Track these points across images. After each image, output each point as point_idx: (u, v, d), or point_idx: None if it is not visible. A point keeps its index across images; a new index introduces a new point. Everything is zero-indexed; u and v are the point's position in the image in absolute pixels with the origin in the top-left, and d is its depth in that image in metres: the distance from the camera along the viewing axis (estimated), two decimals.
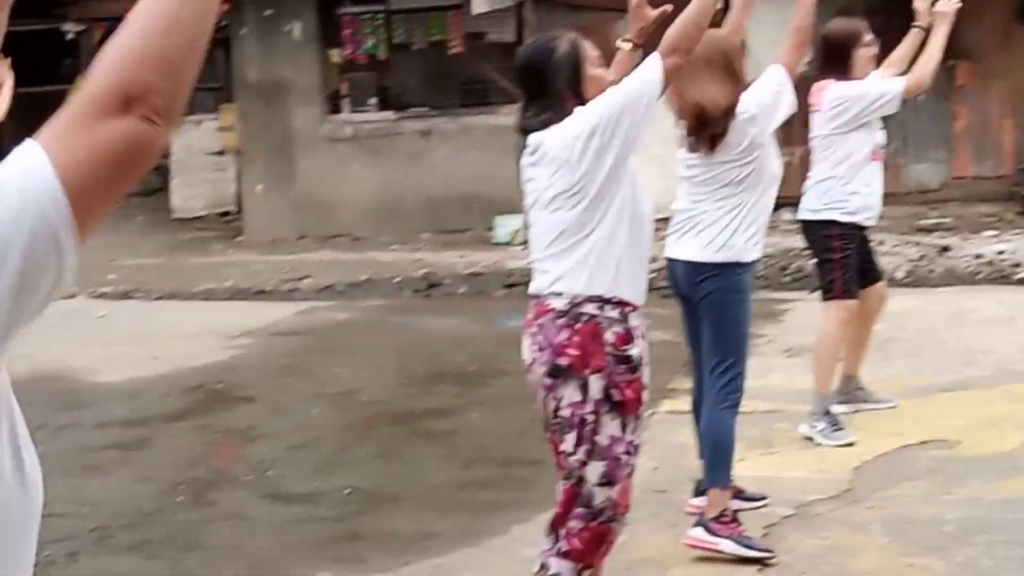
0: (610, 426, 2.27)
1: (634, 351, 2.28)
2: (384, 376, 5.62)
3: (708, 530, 2.81)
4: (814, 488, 3.30)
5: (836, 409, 3.65)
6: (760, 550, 2.82)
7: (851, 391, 3.82)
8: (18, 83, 1.19)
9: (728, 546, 2.80)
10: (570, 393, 2.27)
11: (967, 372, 4.45)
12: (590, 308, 2.26)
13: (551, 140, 2.26)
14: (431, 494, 3.85)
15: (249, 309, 6.89)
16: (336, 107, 8.25)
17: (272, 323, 6.54)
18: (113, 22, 11.38)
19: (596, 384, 2.25)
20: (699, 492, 2.96)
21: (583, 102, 2.28)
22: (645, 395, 2.34)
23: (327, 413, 4.99)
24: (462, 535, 3.40)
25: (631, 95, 2.22)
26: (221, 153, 9.62)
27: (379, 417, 4.94)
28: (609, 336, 2.25)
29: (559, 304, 2.25)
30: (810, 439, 3.62)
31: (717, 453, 2.89)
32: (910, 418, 3.96)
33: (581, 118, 2.24)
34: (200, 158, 9.38)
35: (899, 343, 4.84)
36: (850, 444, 3.56)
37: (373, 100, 8.23)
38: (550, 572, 2.33)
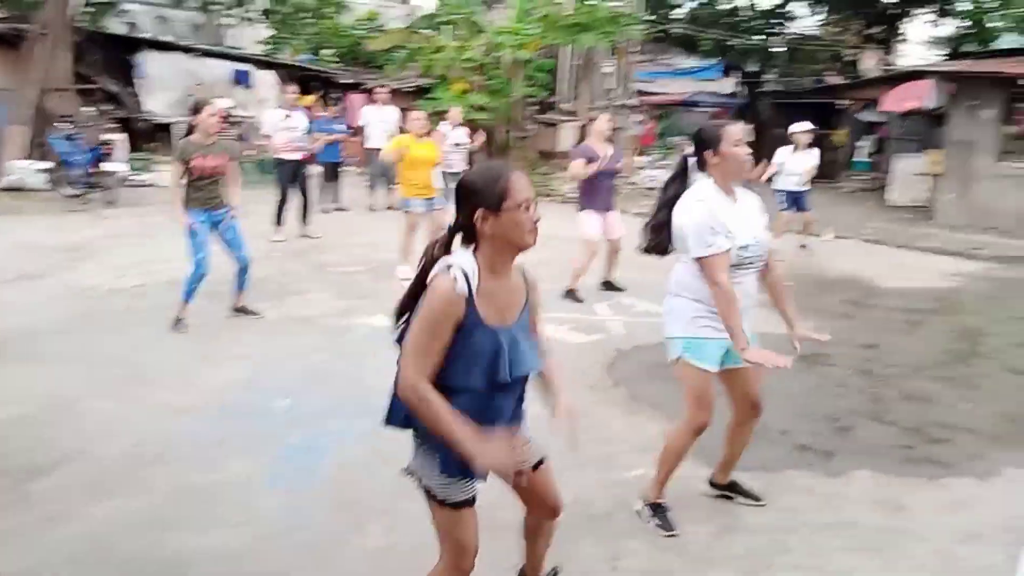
0: None
1: None
2: None
3: None
4: None
5: None
6: None
7: None
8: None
9: None
10: None
11: None
12: None
13: None
14: None
15: (948, 260, 10.59)
16: (1004, 158, 14.11)
17: (972, 271, 9.80)
18: (867, 101, 19.37)
19: None
20: None
21: None
22: None
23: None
24: None
25: None
26: (924, 174, 16.35)
27: None
28: None
29: None
30: None
31: None
32: None
33: None
34: (915, 177, 16.30)
35: None
36: None
37: None
38: None
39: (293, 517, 3.41)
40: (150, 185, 13.74)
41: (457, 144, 11.30)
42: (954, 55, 22.72)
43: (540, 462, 2.55)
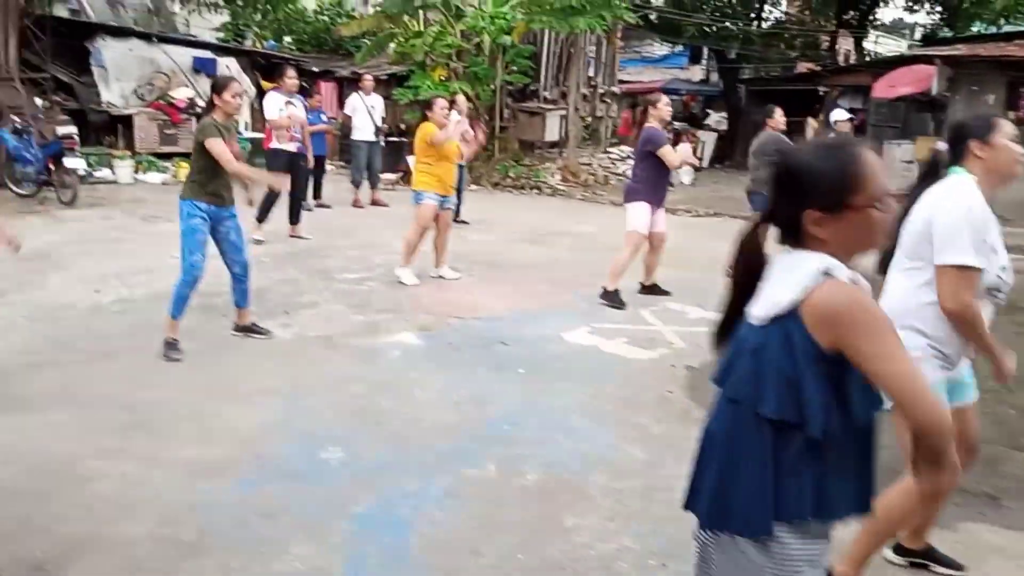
0: None
1: None
2: None
3: None
4: None
5: None
6: None
7: None
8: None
9: None
10: None
11: None
12: None
13: None
14: None
15: None
16: None
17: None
18: (845, 88, 19.06)
19: None
20: None
21: None
22: None
23: None
24: None
25: None
26: (912, 161, 16.03)
27: None
28: None
29: None
30: None
31: None
32: None
33: None
34: (902, 164, 15.96)
35: None
36: None
37: None
38: None
39: None
40: (112, 182, 12.63)
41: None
42: (929, 41, 22.56)
43: None
